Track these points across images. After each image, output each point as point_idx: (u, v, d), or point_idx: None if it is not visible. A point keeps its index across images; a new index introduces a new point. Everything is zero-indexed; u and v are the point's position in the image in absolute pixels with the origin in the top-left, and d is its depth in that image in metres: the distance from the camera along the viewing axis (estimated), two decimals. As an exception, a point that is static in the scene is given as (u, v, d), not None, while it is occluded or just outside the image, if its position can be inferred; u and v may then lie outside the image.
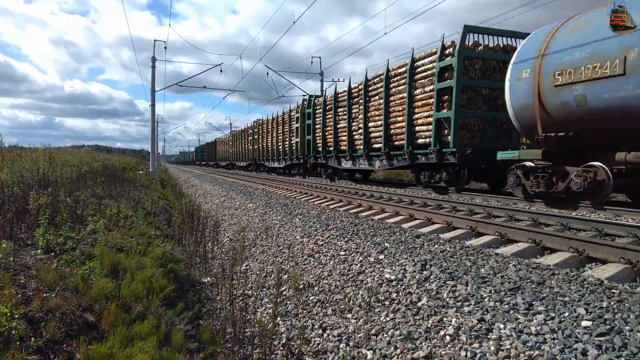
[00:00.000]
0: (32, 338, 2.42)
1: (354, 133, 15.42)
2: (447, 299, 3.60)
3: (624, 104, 6.38)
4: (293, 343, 3.94)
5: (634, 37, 6.26)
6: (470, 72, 10.10)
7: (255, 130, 30.65)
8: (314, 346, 3.89)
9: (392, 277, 4.34)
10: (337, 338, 3.87)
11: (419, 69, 11.63)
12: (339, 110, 16.53)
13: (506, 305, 3.25)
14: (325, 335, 4.01)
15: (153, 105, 27.11)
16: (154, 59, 26.64)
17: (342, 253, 5.54)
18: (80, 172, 9.98)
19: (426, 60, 11.42)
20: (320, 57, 28.56)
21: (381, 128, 13.28)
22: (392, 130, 12.92)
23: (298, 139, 20.90)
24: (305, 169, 20.29)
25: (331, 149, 17.18)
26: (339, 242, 5.97)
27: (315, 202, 10.46)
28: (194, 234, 7.84)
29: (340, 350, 3.68)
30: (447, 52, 10.50)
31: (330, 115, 17.16)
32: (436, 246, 5.12)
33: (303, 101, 21.01)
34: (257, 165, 30.84)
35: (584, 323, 2.83)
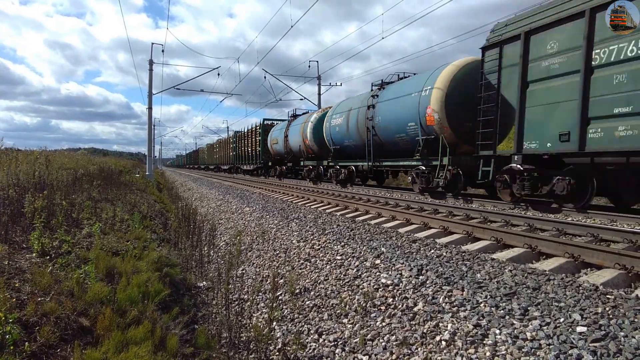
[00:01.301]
0: (26, 342, 2.41)
1: (246, 152, 31.76)
2: (443, 304, 3.61)
3: (281, 152, 23.78)
4: (289, 348, 3.93)
5: (279, 132, 23.81)
6: (266, 134, 26.42)
7: (217, 145, 47.65)
8: (310, 351, 3.87)
9: (389, 282, 4.34)
10: (333, 343, 3.86)
11: (257, 129, 28.38)
12: (242, 141, 33.19)
13: (502, 311, 3.25)
14: (321, 340, 4.00)
15: (150, 108, 27.09)
16: (151, 62, 26.64)
17: (339, 257, 5.54)
18: (77, 175, 9.95)
19: (257, 127, 28.43)
20: (317, 61, 28.81)
21: (251, 150, 30.27)
22: (252, 151, 29.91)
23: (232, 153, 37.31)
24: (234, 169, 37.02)
25: (240, 159, 34.01)
26: (335, 247, 5.97)
27: (312, 206, 10.46)
28: (190, 237, 7.81)
29: (336, 355, 3.68)
30: (260, 126, 27.67)
31: (241, 142, 33.75)
32: (432, 251, 5.13)
33: (234, 132, 38.24)
34: (218, 167, 46.84)
35: (579, 329, 2.84)
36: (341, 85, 47.59)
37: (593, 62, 6.78)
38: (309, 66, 28.16)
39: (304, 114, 22.38)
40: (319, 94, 28.75)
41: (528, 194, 8.14)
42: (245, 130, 32.25)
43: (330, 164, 17.25)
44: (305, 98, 31.90)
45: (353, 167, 15.63)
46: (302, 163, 21.13)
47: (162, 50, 26.66)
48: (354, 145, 15.23)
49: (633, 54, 6.23)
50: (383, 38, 18.98)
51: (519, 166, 8.17)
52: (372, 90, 14.41)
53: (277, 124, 26.48)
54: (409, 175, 12.27)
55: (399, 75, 13.69)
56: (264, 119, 27.94)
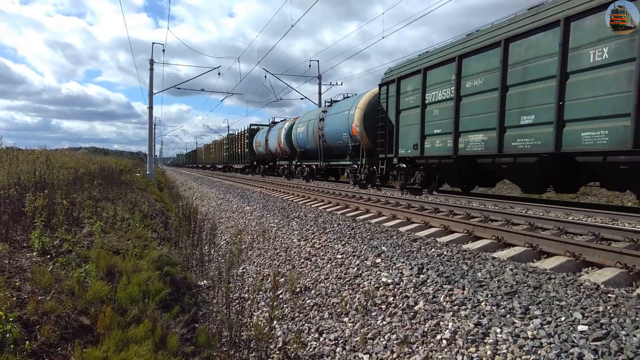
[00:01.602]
0: (27, 341, 2.41)
1: (237, 152, 35.93)
2: (444, 303, 3.60)
3: (263, 153, 28.60)
4: (289, 347, 3.93)
5: (262, 136, 28.55)
6: (252, 137, 31.19)
7: (213, 146, 52.05)
8: (311, 350, 3.87)
9: (389, 281, 4.33)
10: (333, 342, 3.85)
11: (245, 133, 32.75)
12: (234, 142, 37.43)
13: (503, 310, 3.25)
14: (321, 339, 4.00)
15: (151, 107, 27.10)
16: (152, 62, 26.64)
17: (339, 256, 5.54)
18: (77, 174, 9.95)
19: (245, 131, 32.80)
20: (318, 61, 28.89)
21: (240, 151, 34.38)
22: (241, 152, 33.86)
23: (225, 153, 41.47)
24: (227, 168, 41.19)
25: (232, 158, 38.20)
26: (336, 246, 5.97)
27: (313, 205, 10.46)
28: (190, 236, 7.81)
29: (337, 354, 3.67)
30: (247, 130, 32.31)
31: (233, 144, 37.97)
32: (433, 250, 5.13)
33: (227, 134, 44.30)
34: (214, 166, 50.82)
35: (581, 327, 2.83)
36: (342, 84, 47.89)
37: (426, 101, 10.89)
38: (310, 65, 28.23)
39: (281, 121, 26.94)
40: (320, 94, 28.76)
41: (404, 183, 12.20)
42: (237, 134, 37.68)
43: (298, 163, 21.86)
44: (305, 97, 31.89)
45: (314, 166, 19.83)
46: (277, 162, 26.22)
47: (163, 50, 26.66)
48: (313, 148, 19.37)
49: (439, 98, 10.35)
50: (383, 37, 19.11)
51: (403, 165, 12.22)
52: (325, 105, 18.84)
53: (261, 128, 31.64)
54: (345, 172, 16.92)
55: (344, 95, 18.06)
56: (251, 125, 33.58)
